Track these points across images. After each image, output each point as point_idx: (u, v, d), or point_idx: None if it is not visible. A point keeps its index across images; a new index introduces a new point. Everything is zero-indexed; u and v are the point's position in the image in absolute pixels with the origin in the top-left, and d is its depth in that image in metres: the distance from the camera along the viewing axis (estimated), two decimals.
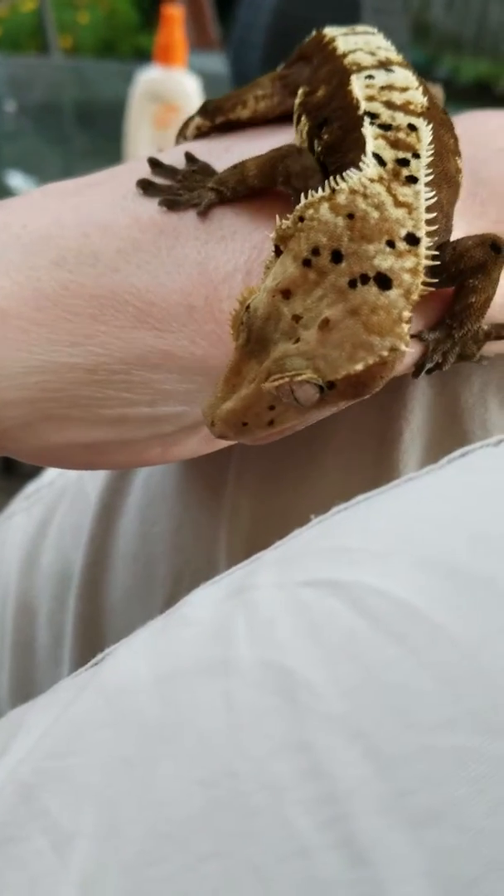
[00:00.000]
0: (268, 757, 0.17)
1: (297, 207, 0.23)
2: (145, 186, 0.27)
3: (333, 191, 0.23)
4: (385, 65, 0.28)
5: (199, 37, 3.49)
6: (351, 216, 0.23)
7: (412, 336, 0.26)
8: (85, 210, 0.26)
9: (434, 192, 0.24)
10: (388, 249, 0.22)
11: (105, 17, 3.82)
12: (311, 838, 0.15)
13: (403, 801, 0.15)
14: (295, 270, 0.22)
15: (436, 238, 0.24)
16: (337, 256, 0.22)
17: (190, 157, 0.29)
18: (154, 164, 0.28)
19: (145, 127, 1.13)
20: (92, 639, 0.37)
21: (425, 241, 0.23)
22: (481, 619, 0.17)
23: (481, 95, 4.02)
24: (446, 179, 0.25)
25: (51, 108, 2.21)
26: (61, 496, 0.41)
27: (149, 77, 1.12)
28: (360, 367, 0.22)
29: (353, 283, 0.22)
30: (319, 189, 0.23)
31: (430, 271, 0.25)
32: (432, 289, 0.23)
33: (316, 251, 0.22)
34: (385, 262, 0.22)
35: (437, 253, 0.23)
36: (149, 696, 0.19)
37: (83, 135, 2.05)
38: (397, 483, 0.23)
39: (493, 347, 0.27)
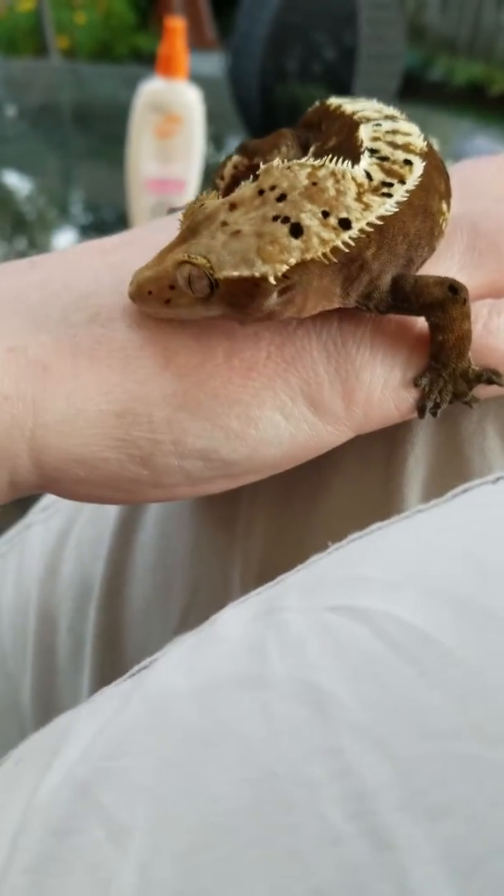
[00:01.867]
0: (303, 760, 0.19)
1: (295, 161, 0.26)
2: None
3: (322, 165, 0.26)
4: (391, 117, 0.31)
5: (196, 38, 3.51)
6: (315, 184, 0.26)
7: (415, 385, 0.28)
8: (121, 269, 0.28)
9: (397, 211, 0.26)
10: (319, 215, 0.25)
11: (102, 18, 3.84)
12: (342, 828, 0.18)
13: (419, 798, 0.18)
14: (249, 193, 0.26)
15: (371, 248, 0.26)
16: (282, 198, 0.25)
17: None
18: None
19: (147, 137, 1.15)
20: (111, 646, 0.39)
21: (353, 233, 0.25)
22: (484, 644, 0.19)
23: (475, 97, 4.05)
24: (424, 213, 0.27)
25: (49, 110, 2.23)
26: (80, 509, 0.43)
27: (151, 88, 1.14)
28: (235, 274, 0.24)
29: (275, 219, 0.25)
30: (316, 160, 0.27)
31: (392, 296, 0.27)
32: (327, 261, 0.25)
33: (273, 188, 0.26)
34: (308, 220, 0.25)
35: (352, 243, 0.25)
36: (189, 706, 0.22)
37: (82, 137, 2.07)
38: (408, 515, 0.26)
39: (485, 391, 0.29)
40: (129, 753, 0.22)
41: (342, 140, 0.30)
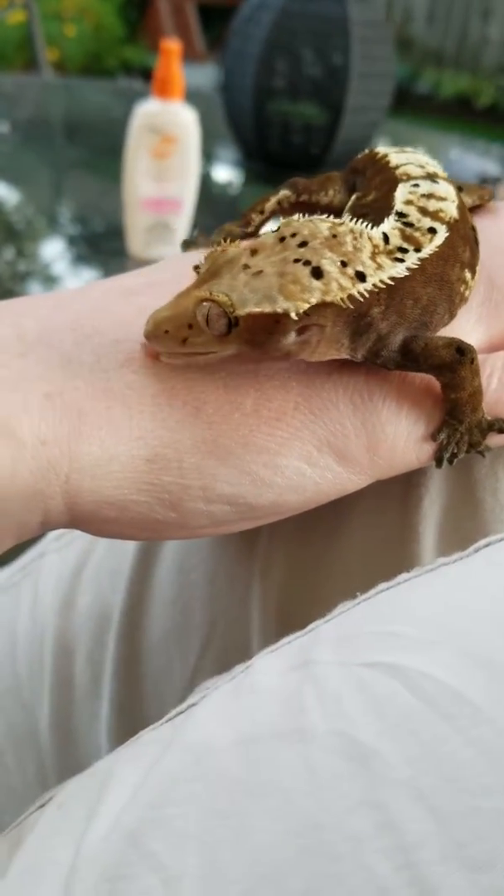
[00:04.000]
0: (347, 813, 0.20)
1: (316, 216, 0.28)
2: None
3: (342, 223, 0.27)
4: (432, 177, 0.31)
5: (185, 50, 3.54)
6: (335, 236, 0.27)
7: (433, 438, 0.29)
8: (148, 314, 0.29)
9: (408, 276, 0.27)
10: (338, 264, 0.26)
11: (91, 31, 3.85)
12: (388, 879, 0.19)
13: (461, 851, 0.19)
14: (271, 241, 0.27)
15: (380, 305, 0.27)
16: (303, 244, 0.26)
17: None
18: None
19: (143, 157, 1.16)
20: (130, 677, 0.40)
21: (368, 286, 0.26)
22: None
23: (462, 110, 4.09)
24: (440, 282, 0.28)
25: (40, 124, 2.24)
26: (96, 541, 0.44)
27: (147, 110, 1.15)
28: (257, 310, 0.25)
29: (296, 261, 0.26)
30: (335, 218, 0.28)
31: (401, 355, 0.28)
32: (344, 306, 0.26)
33: (294, 235, 0.27)
34: (329, 266, 0.26)
35: (367, 295, 0.26)
36: (232, 757, 0.23)
37: (73, 150, 2.08)
38: (432, 567, 0.27)
39: (497, 440, 0.30)
40: (175, 802, 0.22)
41: (381, 196, 0.31)
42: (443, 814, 0.19)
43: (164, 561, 0.40)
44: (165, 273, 0.32)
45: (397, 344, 0.28)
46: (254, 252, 0.27)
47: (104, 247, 1.55)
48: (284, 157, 1.72)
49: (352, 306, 0.26)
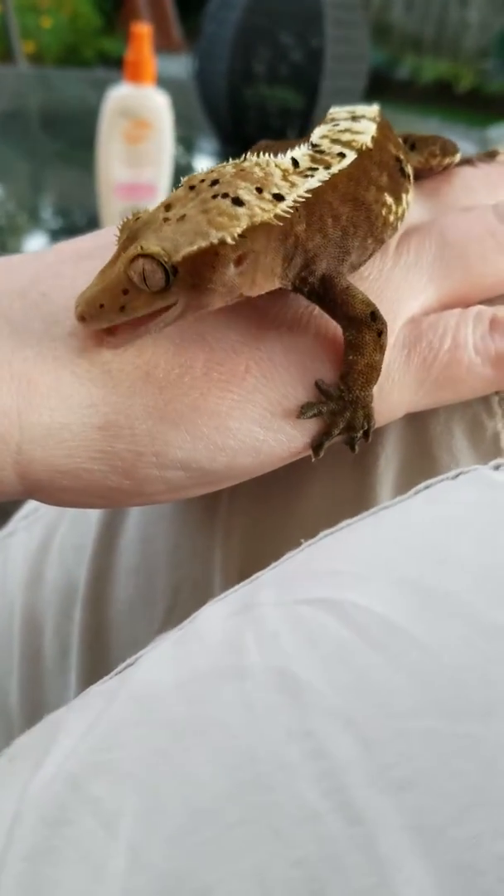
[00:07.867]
0: (280, 743, 0.20)
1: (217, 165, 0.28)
2: None
3: (245, 160, 0.28)
4: (357, 118, 0.32)
5: (162, 40, 3.52)
6: (242, 170, 0.27)
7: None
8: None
9: (324, 194, 0.28)
10: (254, 191, 0.26)
11: (68, 22, 3.83)
12: (317, 805, 0.19)
13: (386, 773, 0.19)
14: (182, 192, 0.27)
15: (302, 226, 0.27)
16: (214, 182, 0.27)
17: None
18: None
19: (117, 142, 1.16)
20: (97, 647, 0.40)
21: (288, 202, 0.27)
22: (443, 628, 0.21)
23: (441, 95, 4.09)
24: (356, 203, 0.29)
25: (17, 115, 2.23)
26: (61, 516, 0.44)
27: (119, 94, 1.14)
28: (194, 248, 0.25)
29: (215, 197, 0.26)
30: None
31: (322, 288, 0.28)
32: (275, 223, 0.26)
33: (202, 181, 0.27)
34: (247, 195, 0.26)
35: (290, 213, 0.26)
36: (175, 698, 0.23)
37: (50, 142, 2.07)
38: (373, 511, 0.27)
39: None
40: (117, 746, 0.23)
41: (304, 141, 0.31)
42: (370, 739, 0.19)
43: (126, 532, 0.40)
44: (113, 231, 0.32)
45: (321, 272, 0.28)
46: (168, 207, 0.27)
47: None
48: None
49: (280, 223, 0.26)
